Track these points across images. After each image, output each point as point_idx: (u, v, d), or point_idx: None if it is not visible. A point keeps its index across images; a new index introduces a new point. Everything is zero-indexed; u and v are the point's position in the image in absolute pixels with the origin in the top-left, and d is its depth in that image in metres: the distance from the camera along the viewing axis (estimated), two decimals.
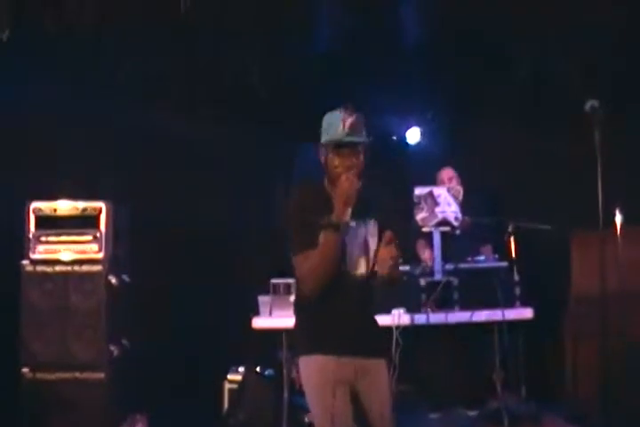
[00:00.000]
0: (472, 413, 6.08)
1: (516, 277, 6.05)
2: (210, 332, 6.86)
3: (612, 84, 6.79)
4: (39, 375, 6.25)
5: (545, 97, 7.17)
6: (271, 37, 7.07)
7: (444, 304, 6.01)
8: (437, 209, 6.22)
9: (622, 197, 5.57)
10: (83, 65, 6.99)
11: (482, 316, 5.92)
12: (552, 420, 5.89)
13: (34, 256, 6.41)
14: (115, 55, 6.97)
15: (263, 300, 6.18)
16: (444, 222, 6.21)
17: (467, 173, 6.91)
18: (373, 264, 4.02)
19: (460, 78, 7.21)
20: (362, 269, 4.01)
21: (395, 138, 7.58)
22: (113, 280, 6.41)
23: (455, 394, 6.21)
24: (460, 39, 7.02)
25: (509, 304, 5.93)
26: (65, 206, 6.50)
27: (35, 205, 6.47)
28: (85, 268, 6.39)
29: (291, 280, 5.92)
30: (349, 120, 3.88)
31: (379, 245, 3.96)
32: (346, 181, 3.81)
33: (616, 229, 5.63)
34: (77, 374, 6.24)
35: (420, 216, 6.24)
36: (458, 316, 5.96)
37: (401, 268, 6.01)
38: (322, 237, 3.84)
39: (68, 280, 6.37)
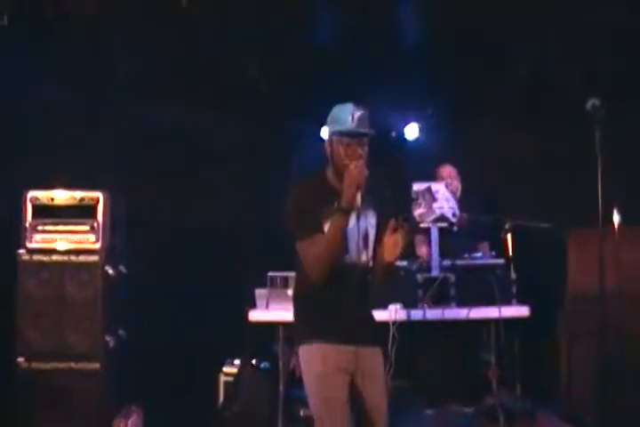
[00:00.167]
0: (467, 409, 6.10)
1: (513, 275, 6.05)
2: (206, 324, 6.85)
3: (613, 83, 6.81)
4: (34, 365, 6.24)
5: (545, 95, 7.20)
6: (271, 34, 7.08)
7: (440, 300, 6.01)
8: (435, 205, 6.20)
9: (621, 197, 5.58)
10: (81, 55, 7.01)
11: (478, 313, 5.92)
12: (547, 418, 5.91)
13: (30, 245, 6.39)
14: (114, 46, 6.98)
15: (260, 292, 6.18)
16: (442, 218, 6.20)
17: (465, 170, 6.92)
18: (373, 254, 4.15)
19: (459, 76, 7.22)
20: (362, 258, 4.13)
21: (393, 134, 7.58)
22: (110, 271, 6.40)
23: (451, 391, 6.22)
24: (460, 37, 7.03)
25: (506, 302, 5.92)
26: (62, 196, 6.48)
27: (32, 194, 6.44)
28: (82, 258, 6.37)
29: (288, 273, 5.93)
30: (358, 113, 4.06)
31: (382, 235, 4.06)
32: (355, 169, 3.95)
33: (614, 229, 5.65)
34: (73, 365, 6.24)
35: (417, 212, 6.23)
36: (454, 312, 5.95)
37: (398, 263, 6.13)
38: (332, 221, 3.98)
39: (64, 270, 6.35)
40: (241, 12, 6.88)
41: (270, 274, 6.12)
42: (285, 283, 6.05)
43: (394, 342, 5.37)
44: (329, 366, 4.03)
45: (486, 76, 7.25)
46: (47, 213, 6.44)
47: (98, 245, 6.40)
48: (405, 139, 7.61)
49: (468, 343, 6.30)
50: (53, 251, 6.38)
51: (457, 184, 6.78)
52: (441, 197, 6.22)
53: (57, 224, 6.43)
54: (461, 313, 5.94)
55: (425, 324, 5.95)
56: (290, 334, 5.07)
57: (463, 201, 6.47)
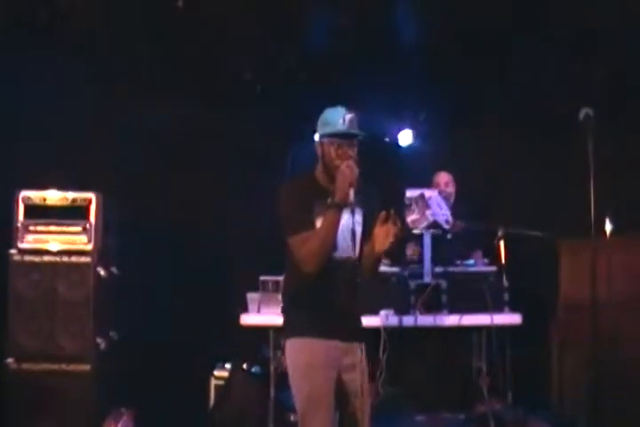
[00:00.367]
0: (458, 417, 6.10)
1: (505, 283, 6.07)
2: (197, 327, 6.84)
3: (606, 92, 6.84)
4: (25, 366, 6.20)
5: (538, 105, 7.21)
6: (267, 37, 7.09)
7: (432, 307, 6.03)
8: (428, 212, 6.21)
9: (613, 206, 5.62)
10: (76, 56, 6.98)
11: (470, 320, 5.95)
12: (538, 425, 5.93)
13: (22, 246, 6.35)
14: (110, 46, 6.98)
15: (252, 297, 6.18)
16: (435, 225, 6.21)
17: (458, 177, 6.93)
18: (360, 251, 4.24)
19: (453, 84, 7.24)
20: (350, 254, 4.23)
21: (387, 139, 7.59)
22: (101, 272, 6.39)
23: (442, 398, 6.23)
24: (456, 44, 7.06)
25: (498, 309, 5.95)
26: (55, 196, 6.45)
27: (24, 193, 6.41)
28: (74, 259, 6.34)
29: (280, 278, 5.92)
30: (348, 116, 4.23)
31: (370, 231, 4.18)
32: (347, 168, 4.10)
33: (605, 237, 5.68)
34: (63, 366, 6.20)
35: (410, 218, 6.24)
36: (446, 319, 5.98)
37: (390, 269, 6.15)
38: (326, 217, 4.09)
39: (55, 271, 6.32)
40: (237, 13, 6.89)
41: (262, 278, 6.12)
42: (277, 287, 6.03)
43: (385, 349, 5.37)
44: (316, 361, 4.13)
45: (481, 84, 7.28)
46: (39, 213, 6.40)
47: (90, 247, 6.37)
48: (399, 145, 7.64)
49: (459, 350, 6.30)
50: (45, 251, 6.34)
51: (451, 191, 6.79)
52: (434, 204, 6.23)
53: (49, 225, 6.40)
54: (453, 320, 5.97)
55: (416, 330, 5.97)
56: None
57: (456, 208, 6.48)
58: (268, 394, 5.98)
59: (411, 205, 6.21)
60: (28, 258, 6.34)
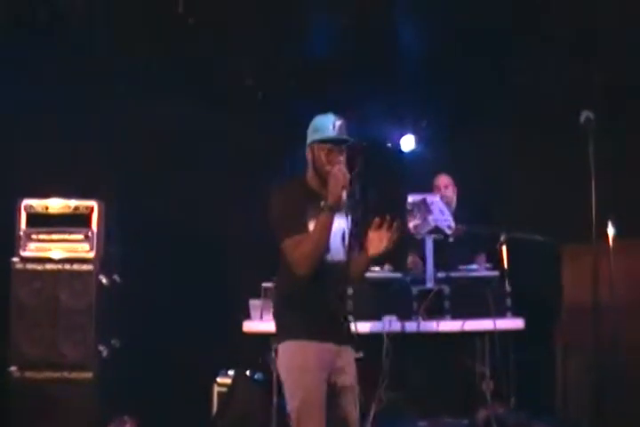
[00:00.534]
0: (462, 422, 6.08)
1: (508, 287, 6.04)
2: (200, 334, 6.83)
3: (606, 93, 6.84)
4: (27, 374, 6.23)
5: (539, 108, 7.20)
6: (268, 42, 7.09)
7: (435, 312, 6.01)
8: (430, 217, 6.20)
9: (615, 210, 5.60)
10: (76, 63, 6.99)
11: (473, 325, 5.92)
12: None
13: (24, 254, 6.38)
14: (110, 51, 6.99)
15: (254, 303, 6.16)
16: (437, 230, 6.20)
17: (459, 182, 6.91)
18: (350, 253, 4.34)
19: (454, 88, 7.23)
20: (341, 257, 4.30)
21: (389, 145, 7.59)
22: (103, 280, 6.41)
23: (445, 403, 6.20)
24: (457, 49, 7.05)
25: (501, 314, 5.92)
26: (57, 204, 6.48)
27: (26, 202, 6.44)
28: (76, 267, 6.37)
29: None
30: (338, 122, 4.32)
31: (366, 233, 4.29)
32: (339, 172, 4.15)
33: (608, 241, 5.65)
34: (66, 374, 6.23)
35: (412, 223, 6.23)
36: (449, 324, 5.95)
37: (393, 274, 6.14)
38: (319, 219, 4.12)
39: (58, 279, 6.35)
40: (238, 18, 6.89)
41: (264, 285, 6.10)
42: None
43: (387, 354, 5.36)
44: (310, 364, 4.15)
45: (482, 88, 7.26)
46: (41, 221, 6.43)
47: (92, 254, 6.40)
48: (401, 150, 7.63)
49: (462, 355, 6.28)
50: (47, 260, 6.37)
51: (452, 195, 6.76)
52: (436, 210, 6.21)
53: (51, 233, 6.43)
54: (456, 325, 5.93)
55: (419, 336, 5.94)
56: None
57: (458, 213, 6.46)
58: (271, 401, 5.94)
59: (412, 210, 6.20)
60: (30, 266, 6.37)
